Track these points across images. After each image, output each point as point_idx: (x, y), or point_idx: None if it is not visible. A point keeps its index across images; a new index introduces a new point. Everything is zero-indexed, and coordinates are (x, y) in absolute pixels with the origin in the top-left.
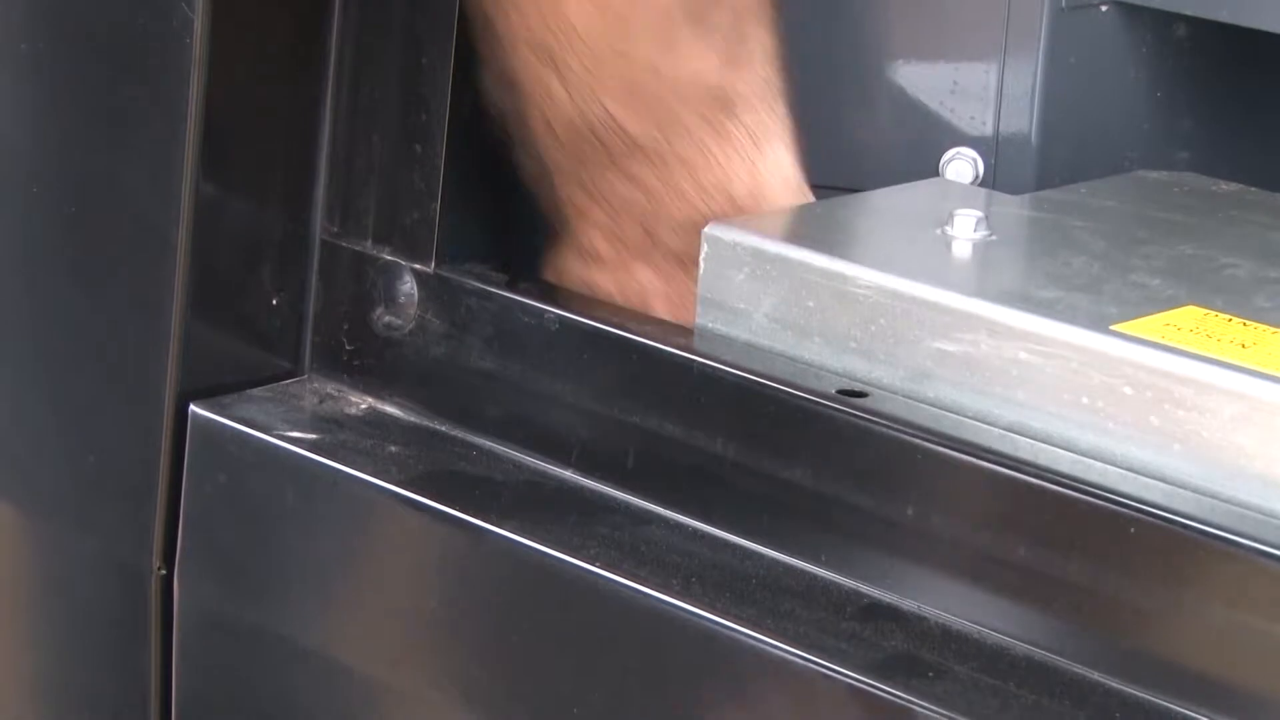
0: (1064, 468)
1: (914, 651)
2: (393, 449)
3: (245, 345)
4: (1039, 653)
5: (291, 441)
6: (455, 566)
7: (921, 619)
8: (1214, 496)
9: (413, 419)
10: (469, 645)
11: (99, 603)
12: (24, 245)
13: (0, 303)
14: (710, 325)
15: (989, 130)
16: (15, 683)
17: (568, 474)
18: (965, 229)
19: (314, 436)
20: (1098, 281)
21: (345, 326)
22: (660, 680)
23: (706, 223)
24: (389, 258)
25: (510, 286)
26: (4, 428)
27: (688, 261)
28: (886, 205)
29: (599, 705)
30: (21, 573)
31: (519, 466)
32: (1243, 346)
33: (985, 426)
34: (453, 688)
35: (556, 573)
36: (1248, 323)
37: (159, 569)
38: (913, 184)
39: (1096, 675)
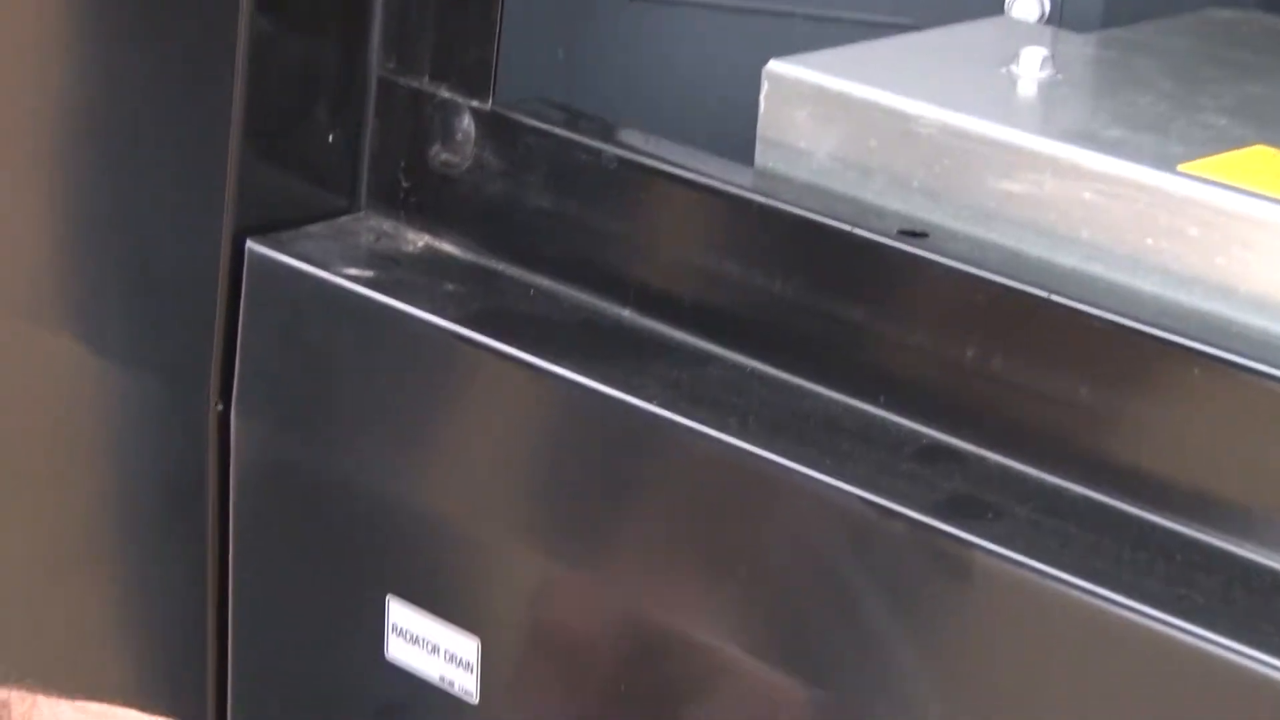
0: (1128, 309)
1: (973, 492)
2: (449, 287)
3: (301, 182)
4: (1099, 494)
5: (348, 278)
6: (511, 405)
7: (981, 460)
8: None
9: (469, 257)
10: (524, 484)
11: (157, 441)
12: (82, 81)
13: (59, 144)
14: (770, 165)
15: None
16: (75, 520)
17: (625, 314)
18: (1031, 67)
19: (371, 274)
20: (1164, 121)
21: (402, 164)
22: (718, 520)
23: None
24: (446, 95)
25: (568, 125)
26: (63, 266)
27: None
28: (951, 44)
29: (654, 544)
30: (81, 410)
31: (576, 306)
32: None
33: (1049, 267)
34: (507, 525)
35: (614, 412)
36: None
37: (217, 406)
38: (978, 22)
39: (1157, 517)
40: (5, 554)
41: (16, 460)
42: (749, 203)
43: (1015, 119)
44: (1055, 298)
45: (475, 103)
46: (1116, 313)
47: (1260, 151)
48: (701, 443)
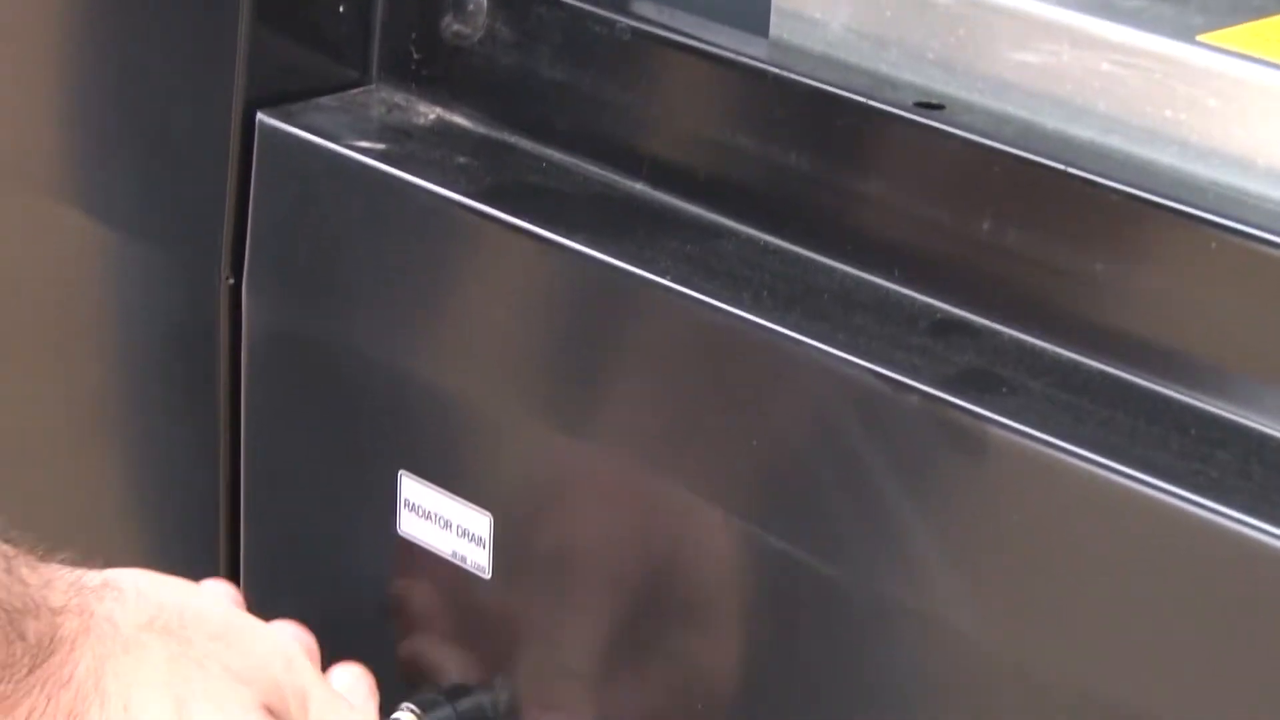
0: (1145, 181)
1: (987, 366)
2: (461, 160)
3: (312, 53)
4: (1114, 368)
5: (360, 151)
6: (524, 279)
7: (995, 334)
8: None
9: (481, 130)
10: (536, 358)
11: (168, 314)
12: None
13: (69, 15)
14: (785, 36)
15: None
16: (86, 396)
17: (639, 187)
18: None
19: (382, 146)
20: None
21: (413, 35)
22: (730, 394)
23: None
24: None
25: None
26: (73, 139)
27: None
28: None
29: (666, 418)
30: (91, 283)
31: (589, 179)
32: None
33: (1065, 139)
34: (519, 401)
35: (626, 285)
36: None
37: (227, 279)
38: None
39: (1173, 391)
40: (16, 427)
41: (26, 333)
42: (763, 74)
43: None
44: (1072, 170)
45: None
46: (1133, 185)
47: None
48: (714, 316)
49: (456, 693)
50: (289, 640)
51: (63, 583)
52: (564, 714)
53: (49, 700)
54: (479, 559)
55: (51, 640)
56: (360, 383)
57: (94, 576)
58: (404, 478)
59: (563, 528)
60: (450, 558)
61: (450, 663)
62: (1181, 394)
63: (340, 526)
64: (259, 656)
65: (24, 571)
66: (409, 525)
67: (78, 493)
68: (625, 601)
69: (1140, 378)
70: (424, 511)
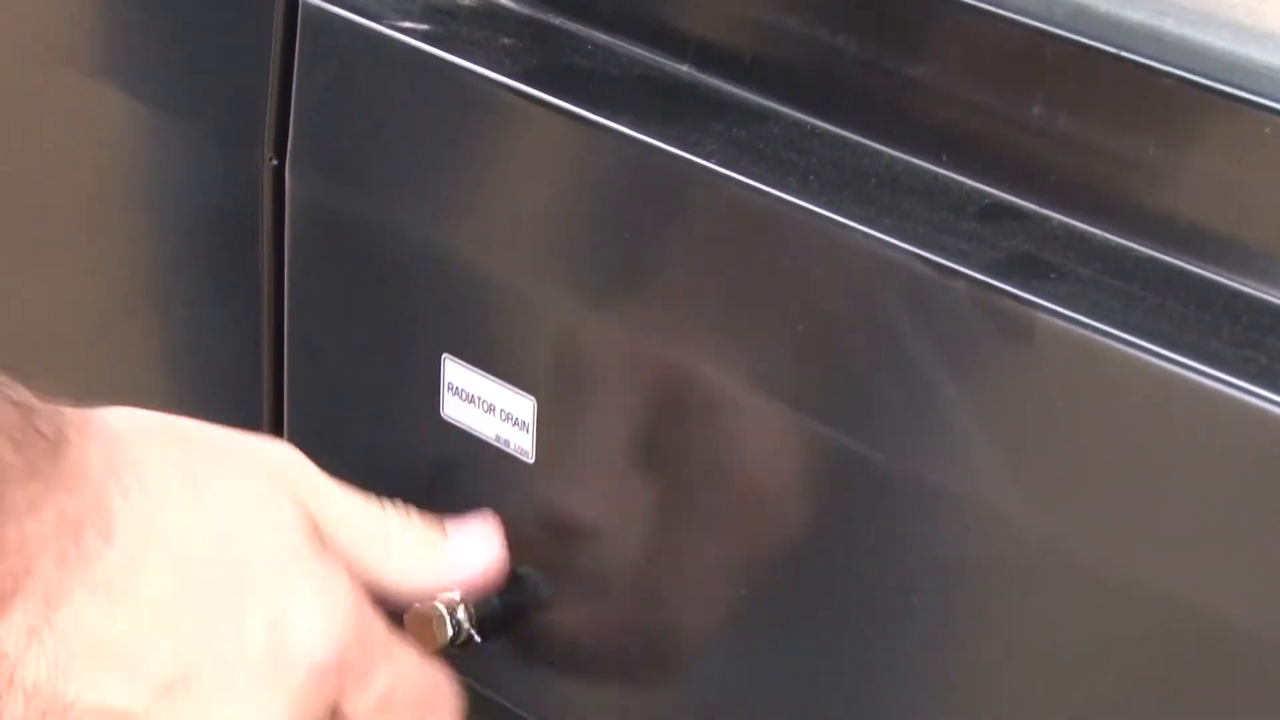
0: (1197, 65)
1: (1036, 252)
2: (506, 41)
3: None
4: (1165, 255)
5: (403, 31)
6: (568, 161)
7: (1044, 219)
8: None
9: (526, 11)
10: (580, 242)
11: (210, 195)
12: None
13: None
14: None
15: None
16: (127, 278)
17: (684, 69)
18: None
19: (426, 27)
20: None
21: None
22: (775, 279)
23: None
24: None
25: None
26: (114, 15)
27: None
28: None
29: (712, 303)
30: (134, 165)
31: (634, 61)
32: None
33: (1117, 22)
34: (562, 282)
35: (671, 169)
36: None
37: (270, 160)
38: None
39: (1224, 278)
40: (56, 309)
41: (66, 215)
42: None
43: None
44: (1124, 54)
45: None
46: (1186, 69)
47: None
48: (760, 200)
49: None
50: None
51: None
52: (606, 600)
53: (73, 494)
54: (523, 443)
55: (59, 443)
56: (404, 265)
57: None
58: (447, 361)
59: (606, 413)
60: (494, 442)
61: None
62: (1232, 280)
63: (384, 410)
64: (264, 453)
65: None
66: (452, 409)
67: (118, 376)
68: (668, 487)
69: (1191, 264)
70: (467, 395)
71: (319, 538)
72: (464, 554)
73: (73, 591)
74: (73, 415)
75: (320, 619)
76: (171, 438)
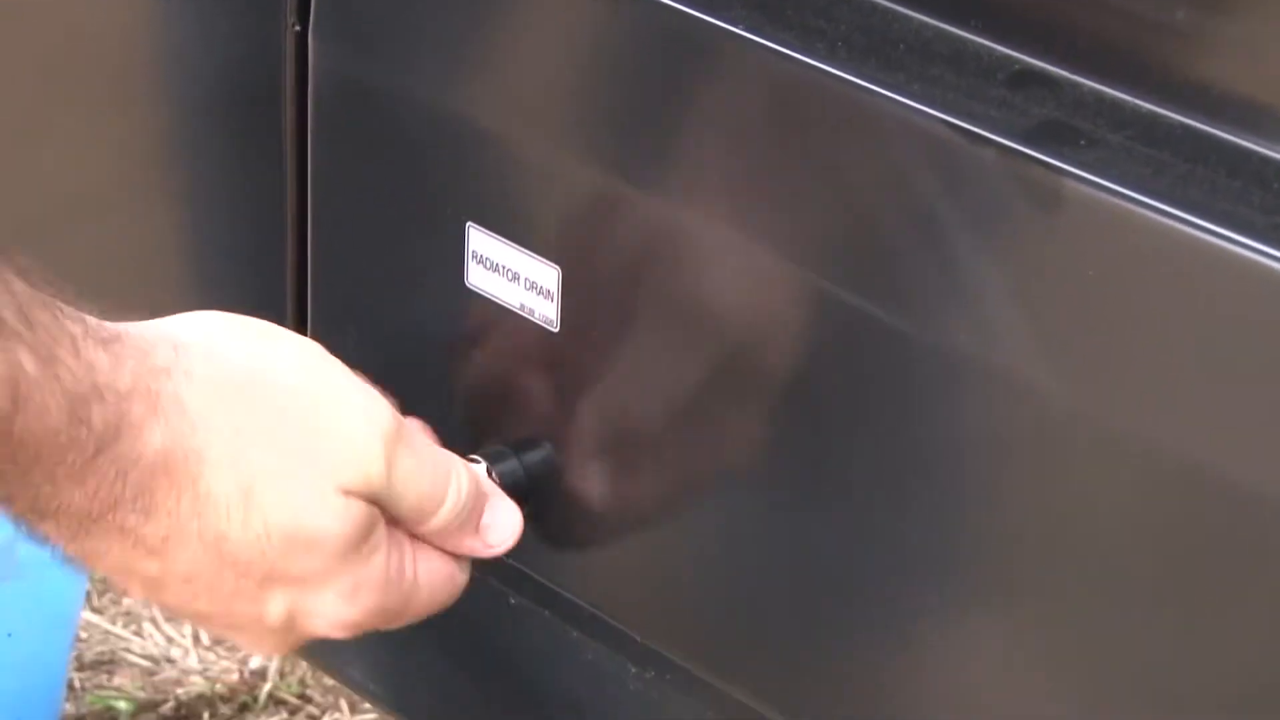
0: None
1: (1066, 118)
2: None
3: None
4: (1195, 121)
5: None
6: (594, 27)
7: (1075, 85)
8: None
9: None
10: (606, 109)
11: (233, 62)
12: None
13: None
14: None
15: None
16: (150, 148)
17: None
18: None
19: None
20: None
21: None
22: (803, 147)
23: None
24: None
25: None
26: None
27: None
28: None
29: (739, 171)
30: (155, 32)
31: None
32: None
33: None
34: (588, 151)
35: (700, 35)
36: None
37: (293, 26)
38: None
39: (1255, 144)
40: (79, 182)
41: (86, 86)
42: None
43: None
44: None
45: None
46: None
47: None
48: (789, 67)
49: (523, 446)
50: (368, 409)
51: (131, 362)
52: (628, 470)
53: (118, 476)
54: (547, 312)
55: (119, 425)
56: (428, 133)
57: (164, 352)
58: (472, 230)
59: (630, 282)
60: (518, 310)
61: (517, 416)
62: (1263, 147)
63: (408, 279)
64: (332, 428)
65: (92, 354)
66: (477, 278)
67: (142, 249)
68: (693, 357)
69: (1221, 130)
70: (492, 264)
71: (370, 541)
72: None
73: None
74: (142, 389)
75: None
76: (243, 410)
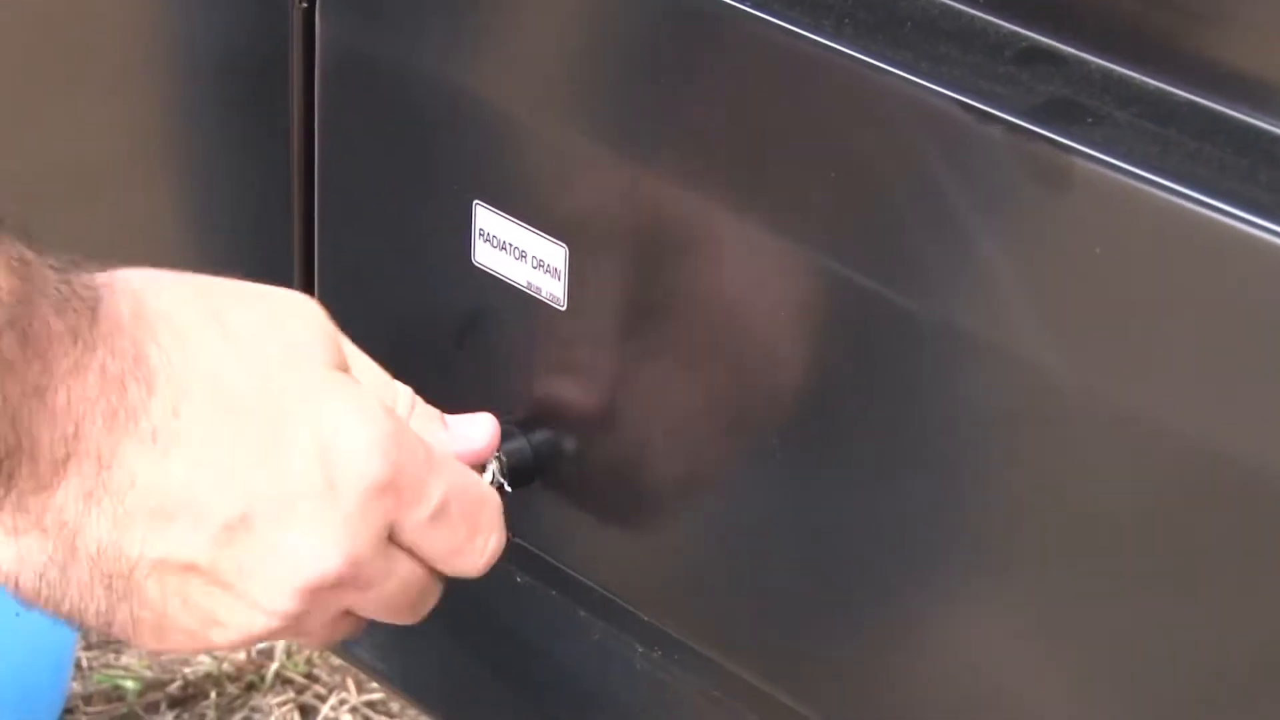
0: None
1: (1073, 96)
2: None
3: None
4: (1203, 99)
5: None
6: (601, 7)
7: (1082, 63)
8: None
9: None
10: (614, 87)
11: (240, 37)
12: None
13: None
14: None
15: None
16: (156, 122)
17: None
18: None
19: None
20: None
21: None
22: (809, 124)
23: None
24: None
25: None
26: None
27: None
28: None
29: (746, 149)
30: (162, 5)
31: None
32: None
33: None
34: (595, 129)
35: (706, 11)
36: None
37: (301, 2)
38: None
39: (1261, 121)
40: (83, 155)
41: (91, 59)
42: None
43: None
44: None
45: None
46: None
47: None
48: (795, 44)
49: (530, 425)
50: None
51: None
52: (635, 449)
53: (112, 351)
54: (554, 290)
55: (94, 304)
56: (436, 110)
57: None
58: (479, 208)
59: (638, 261)
60: (525, 289)
61: (524, 395)
62: (1271, 124)
63: (415, 257)
64: (288, 297)
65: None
66: (484, 256)
67: (150, 225)
68: (700, 336)
69: (1230, 108)
70: (499, 242)
71: (346, 367)
72: (463, 427)
73: (123, 448)
74: (102, 276)
75: (363, 438)
76: (193, 290)
